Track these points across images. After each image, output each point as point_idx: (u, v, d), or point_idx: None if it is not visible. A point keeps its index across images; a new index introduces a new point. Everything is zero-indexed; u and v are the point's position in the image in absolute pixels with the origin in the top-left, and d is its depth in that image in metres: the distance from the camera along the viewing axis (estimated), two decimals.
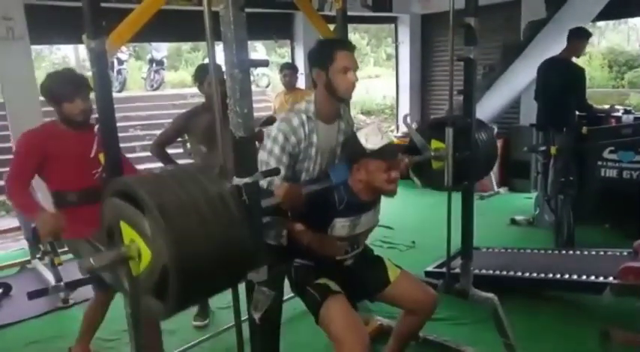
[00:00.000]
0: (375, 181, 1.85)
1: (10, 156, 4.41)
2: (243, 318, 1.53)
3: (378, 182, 1.85)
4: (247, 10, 1.26)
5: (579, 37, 4.12)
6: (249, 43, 1.30)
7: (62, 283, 3.29)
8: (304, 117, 1.96)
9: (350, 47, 1.98)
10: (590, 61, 8.93)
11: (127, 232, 1.21)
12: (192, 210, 1.16)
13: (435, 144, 2.44)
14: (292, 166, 1.96)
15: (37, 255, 3.79)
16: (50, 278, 3.38)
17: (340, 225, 1.91)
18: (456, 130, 2.36)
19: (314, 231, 1.87)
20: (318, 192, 1.85)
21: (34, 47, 4.52)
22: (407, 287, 2.06)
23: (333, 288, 1.89)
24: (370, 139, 1.82)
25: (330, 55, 1.92)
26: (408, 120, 2.71)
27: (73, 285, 3.33)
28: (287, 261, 2.01)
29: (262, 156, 1.90)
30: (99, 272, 1.29)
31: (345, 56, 1.93)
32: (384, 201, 2.04)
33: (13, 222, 4.80)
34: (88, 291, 3.39)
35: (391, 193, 1.90)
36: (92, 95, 1.79)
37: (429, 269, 3.29)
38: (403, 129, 7.26)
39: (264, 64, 1.48)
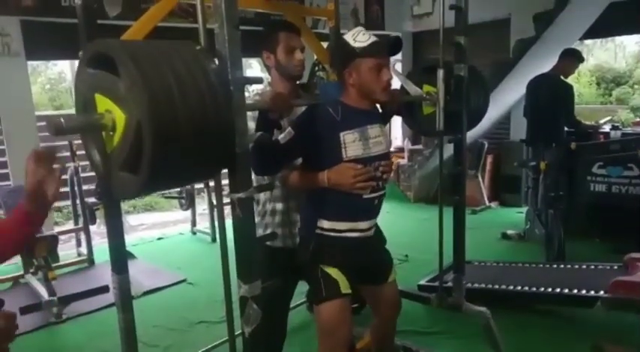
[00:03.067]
0: (367, 83, 1.76)
1: (6, 171, 4.43)
2: (236, 333, 1.54)
3: (370, 84, 1.76)
4: (242, 27, 1.29)
5: (571, 58, 4.21)
6: (243, 60, 1.33)
7: (55, 298, 3.28)
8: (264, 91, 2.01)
9: (292, 28, 2.04)
10: (579, 78, 9.05)
11: (102, 103, 1.14)
12: (169, 70, 1.08)
13: (426, 88, 2.41)
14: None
15: (31, 270, 3.77)
16: (43, 292, 3.36)
17: (350, 140, 1.76)
18: (447, 74, 2.35)
19: (328, 164, 1.76)
20: (312, 111, 1.81)
21: (30, 63, 4.54)
22: (390, 291, 2.06)
23: (342, 290, 1.82)
24: (358, 38, 1.75)
25: (276, 38, 1.99)
26: (398, 68, 2.68)
27: (67, 300, 3.33)
28: (289, 275, 1.99)
29: None
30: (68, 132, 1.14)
31: (289, 36, 1.99)
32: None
33: None
34: (81, 306, 3.39)
35: (384, 100, 1.84)
36: None
37: (422, 283, 3.30)
38: (397, 143, 7.32)
39: (259, 81, 1.51)
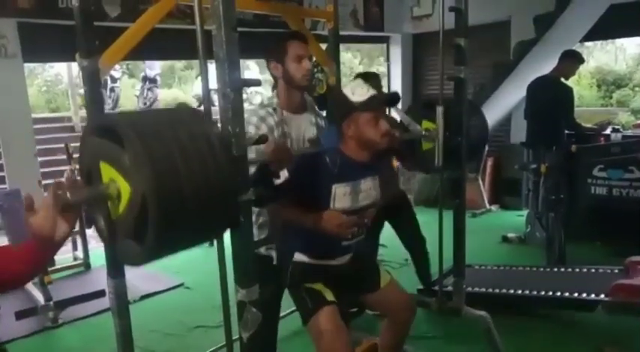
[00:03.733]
0: (365, 134, 1.81)
1: (2, 174, 4.40)
2: (234, 338, 1.52)
3: (368, 135, 1.81)
4: (240, 29, 1.28)
5: (571, 59, 4.20)
6: (242, 61, 1.31)
7: (51, 302, 3.25)
8: (270, 109, 2.03)
9: (301, 37, 2.05)
10: (580, 80, 9.06)
11: (107, 172, 1.15)
12: (174, 142, 1.10)
13: (425, 124, 2.43)
14: None
15: None
16: (39, 297, 3.33)
17: (341, 193, 1.83)
18: (446, 110, 2.35)
19: (316, 209, 1.81)
20: (310, 158, 1.84)
21: (26, 65, 4.51)
22: (391, 293, 2.06)
23: (327, 298, 1.86)
24: (356, 92, 1.80)
25: (284, 47, 2.00)
26: (397, 72, 2.73)
27: (63, 304, 3.30)
28: (280, 279, 1.99)
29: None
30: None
31: (297, 45, 2.00)
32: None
33: (2, 240, 4.74)
34: (77, 310, 3.36)
35: (383, 146, 1.87)
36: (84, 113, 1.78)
37: (422, 287, 3.28)
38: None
39: (257, 83, 1.50)
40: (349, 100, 1.81)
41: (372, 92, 1.80)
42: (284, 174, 1.72)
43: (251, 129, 1.93)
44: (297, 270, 1.93)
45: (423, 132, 2.40)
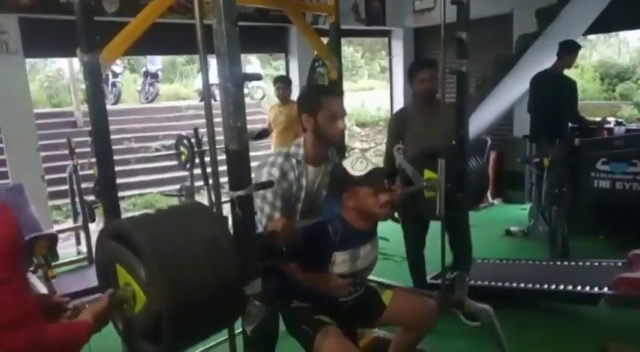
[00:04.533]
0: (365, 207, 1.88)
1: (5, 169, 4.42)
2: (237, 331, 1.52)
3: (368, 207, 1.87)
4: (241, 23, 1.27)
5: (568, 50, 4.17)
6: (243, 56, 1.30)
7: None
8: (294, 161, 2.01)
9: (336, 93, 2.04)
10: (583, 74, 9.02)
11: (123, 275, 1.23)
12: (186, 255, 1.18)
13: (427, 174, 2.48)
14: (285, 209, 1.98)
15: (31, 268, 3.75)
16: (44, 291, 3.34)
17: (340, 260, 1.90)
18: (448, 162, 2.39)
19: (315, 271, 1.89)
20: (312, 227, 1.90)
21: (28, 60, 4.51)
22: (404, 305, 2.07)
23: (326, 321, 1.89)
24: (356, 166, 1.86)
25: (318, 101, 1.98)
26: (400, 152, 2.77)
27: (69, 298, 3.31)
28: (281, 275, 2.00)
29: (256, 202, 1.92)
30: None
31: (334, 103, 1.99)
32: None
33: None
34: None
35: (383, 216, 1.94)
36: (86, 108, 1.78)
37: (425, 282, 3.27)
38: None
39: (258, 78, 1.49)
40: (348, 174, 1.86)
41: (370, 166, 1.86)
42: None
43: (269, 196, 1.94)
44: (297, 313, 1.96)
45: (424, 184, 2.45)
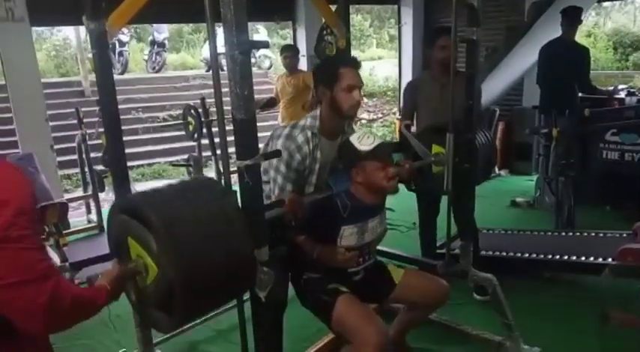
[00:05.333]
0: (374, 181, 1.90)
1: (15, 139, 4.45)
2: (245, 298, 1.56)
3: (377, 181, 1.90)
4: None
5: (571, 17, 4.08)
6: (250, 24, 1.29)
7: (67, 263, 3.33)
8: (309, 133, 1.99)
9: (355, 64, 1.98)
10: (595, 43, 8.83)
11: (134, 247, 1.26)
12: (195, 227, 1.21)
13: (435, 149, 2.46)
14: (298, 180, 1.99)
15: (42, 236, 3.82)
16: (56, 258, 3.41)
17: (348, 233, 1.93)
18: (456, 137, 2.35)
19: (323, 244, 1.91)
20: (321, 201, 1.92)
21: (34, 29, 4.48)
22: (416, 285, 2.10)
23: (342, 290, 1.93)
24: (363, 141, 1.88)
25: (335, 73, 1.94)
26: (409, 129, 2.74)
27: (79, 266, 3.38)
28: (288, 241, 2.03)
29: (270, 173, 1.96)
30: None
31: (350, 74, 1.94)
32: None
33: None
34: (93, 271, 3.43)
35: (391, 190, 1.96)
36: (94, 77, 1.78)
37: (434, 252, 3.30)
38: None
39: (265, 45, 1.49)
40: (356, 149, 1.88)
41: (377, 141, 1.88)
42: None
43: (284, 155, 1.91)
44: (309, 284, 2.00)
45: (432, 158, 2.43)
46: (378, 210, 2.03)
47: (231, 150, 1.41)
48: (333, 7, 2.45)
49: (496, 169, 5.80)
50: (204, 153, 4.27)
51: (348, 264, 1.95)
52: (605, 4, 7.43)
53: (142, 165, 7.24)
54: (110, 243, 1.37)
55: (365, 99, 11.20)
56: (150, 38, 11.03)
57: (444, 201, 2.96)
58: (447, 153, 2.37)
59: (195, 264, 1.19)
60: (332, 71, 1.95)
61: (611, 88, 4.80)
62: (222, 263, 1.24)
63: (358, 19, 14.60)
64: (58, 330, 1.14)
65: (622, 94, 4.67)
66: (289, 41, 6.92)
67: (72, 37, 10.13)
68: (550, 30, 4.63)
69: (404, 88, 3.17)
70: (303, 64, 5.33)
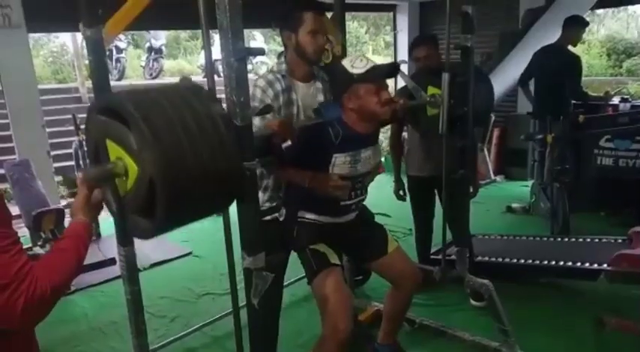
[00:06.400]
0: (367, 105, 1.82)
1: (11, 145, 4.44)
2: (241, 305, 1.56)
3: (370, 106, 1.82)
4: None
5: (575, 26, 4.11)
6: (246, 31, 1.30)
7: None
8: (278, 75, 2.00)
9: (319, 8, 1.97)
10: (589, 49, 8.89)
11: (113, 150, 1.18)
12: (179, 124, 1.13)
13: (431, 90, 2.40)
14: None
15: (39, 242, 3.81)
16: None
17: (341, 162, 1.86)
18: (452, 77, 2.31)
19: (313, 170, 1.85)
20: (312, 128, 1.85)
21: (31, 35, 4.48)
22: (398, 260, 2.09)
23: (331, 261, 1.90)
24: (356, 64, 1.80)
25: (299, 17, 1.94)
26: (404, 68, 2.69)
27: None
28: (286, 242, 2.02)
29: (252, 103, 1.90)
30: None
31: (313, 18, 1.94)
32: (381, 189, 2.06)
33: (13, 210, 4.83)
34: (89, 278, 3.44)
35: (385, 116, 1.89)
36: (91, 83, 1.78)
37: (429, 256, 3.31)
38: None
39: (261, 52, 1.48)
40: (348, 72, 1.80)
41: (370, 64, 1.79)
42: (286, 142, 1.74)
43: (257, 93, 1.93)
44: (303, 230, 1.95)
45: (428, 99, 2.36)
46: (371, 141, 1.96)
47: None
48: (329, 14, 2.47)
49: (492, 175, 5.83)
50: None
51: (340, 193, 1.85)
52: (599, 11, 7.49)
53: None
54: (89, 152, 1.30)
55: None
56: (147, 45, 11.05)
57: (438, 205, 2.98)
58: (442, 93, 2.32)
59: (177, 158, 1.11)
60: (297, 15, 1.95)
61: (602, 94, 4.82)
62: (206, 163, 1.15)
63: (354, 25, 14.65)
64: (45, 316, 1.13)
65: (615, 100, 4.71)
66: None
67: (69, 43, 10.13)
68: (544, 36, 4.67)
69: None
70: None
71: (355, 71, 1.79)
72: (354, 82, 1.80)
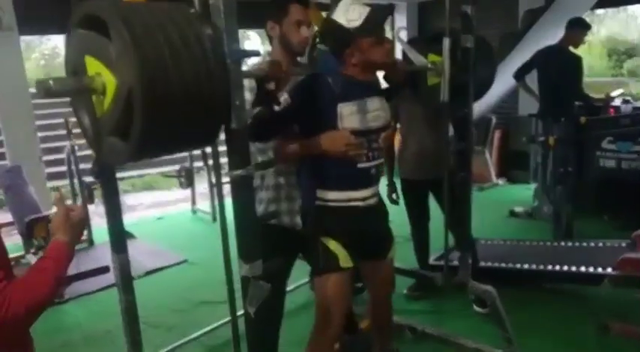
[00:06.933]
0: (372, 58, 1.75)
1: (2, 150, 4.39)
2: (239, 313, 1.50)
3: (375, 57, 1.75)
4: None
5: (577, 28, 4.07)
6: (241, 31, 1.24)
7: None
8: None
9: (303, 1, 1.94)
10: (590, 50, 8.88)
11: (92, 66, 1.12)
12: (161, 34, 1.06)
13: (431, 57, 2.33)
14: None
15: (31, 250, 3.75)
16: None
17: (348, 112, 1.74)
18: (453, 44, 2.24)
19: (323, 130, 1.74)
20: (310, 78, 1.78)
21: (23, 38, 4.43)
22: (386, 268, 2.05)
23: (340, 264, 1.82)
24: (350, 16, 1.71)
25: (284, 8, 1.92)
26: (403, 35, 2.58)
27: (68, 280, 3.30)
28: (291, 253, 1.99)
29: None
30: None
31: (299, 10, 1.92)
32: (381, 193, 2.01)
33: (6, 217, 4.76)
34: (82, 286, 3.38)
35: (392, 64, 1.85)
36: None
37: (428, 261, 3.26)
38: None
39: (256, 54, 1.45)
40: (345, 28, 1.70)
41: (365, 11, 1.71)
42: (285, 98, 1.66)
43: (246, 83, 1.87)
44: (317, 216, 1.84)
45: (429, 65, 2.29)
46: (375, 89, 1.86)
47: (223, 160, 1.37)
48: (324, 14, 2.42)
49: (494, 178, 5.79)
50: (195, 164, 4.22)
51: (355, 152, 1.74)
52: (599, 11, 7.47)
53: (133, 176, 7.16)
54: (67, 73, 1.21)
55: None
56: None
57: (435, 208, 2.93)
58: (443, 61, 2.24)
59: (157, 68, 1.03)
60: (281, 6, 1.93)
61: (603, 96, 4.78)
62: (189, 82, 1.08)
63: None
64: (24, 331, 1.15)
65: (617, 102, 4.68)
66: None
67: (61, 45, 10.07)
68: (544, 37, 4.64)
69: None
70: None
71: (353, 24, 1.70)
72: (355, 36, 1.71)
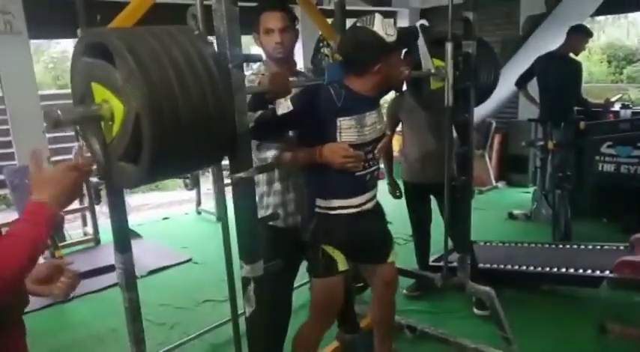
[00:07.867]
0: (394, 74, 1.81)
1: (12, 150, 4.44)
2: (240, 312, 1.54)
3: (396, 73, 1.82)
4: (241, 3, 1.25)
5: (579, 35, 4.11)
6: (244, 37, 1.29)
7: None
8: (260, 76, 1.98)
9: (274, 6, 1.96)
10: (590, 56, 8.90)
11: (99, 93, 1.14)
12: (166, 58, 1.07)
13: (435, 62, 2.34)
14: None
15: None
16: None
17: (347, 126, 1.78)
18: (456, 48, 2.26)
19: (323, 142, 1.79)
20: (312, 88, 1.82)
21: (32, 41, 4.50)
22: (388, 271, 2.08)
23: (339, 268, 1.88)
24: (389, 31, 1.71)
25: (258, 19, 1.97)
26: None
27: (82, 276, 3.35)
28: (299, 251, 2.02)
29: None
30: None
31: (268, 17, 1.95)
32: (382, 195, 2.05)
33: (12, 215, 4.82)
34: (88, 285, 3.42)
35: (402, 82, 1.94)
36: None
37: (428, 262, 3.29)
38: None
39: (258, 59, 1.48)
40: (383, 40, 1.71)
41: (396, 29, 1.73)
42: (287, 105, 1.68)
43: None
44: (317, 224, 1.89)
45: (432, 71, 2.31)
46: (374, 104, 1.91)
47: (225, 162, 1.40)
48: (330, 20, 2.47)
49: (493, 181, 5.82)
50: None
51: (353, 163, 1.79)
52: (599, 18, 7.49)
53: None
54: (74, 100, 1.22)
55: None
56: None
57: (436, 210, 2.97)
58: (446, 65, 2.26)
59: (163, 91, 1.04)
60: (256, 17, 1.98)
61: (602, 101, 4.81)
62: (196, 105, 1.09)
63: None
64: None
65: (616, 107, 4.71)
66: None
67: (70, 49, 10.14)
68: (545, 43, 4.67)
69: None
70: None
71: (390, 39, 1.70)
72: (391, 50, 1.74)
